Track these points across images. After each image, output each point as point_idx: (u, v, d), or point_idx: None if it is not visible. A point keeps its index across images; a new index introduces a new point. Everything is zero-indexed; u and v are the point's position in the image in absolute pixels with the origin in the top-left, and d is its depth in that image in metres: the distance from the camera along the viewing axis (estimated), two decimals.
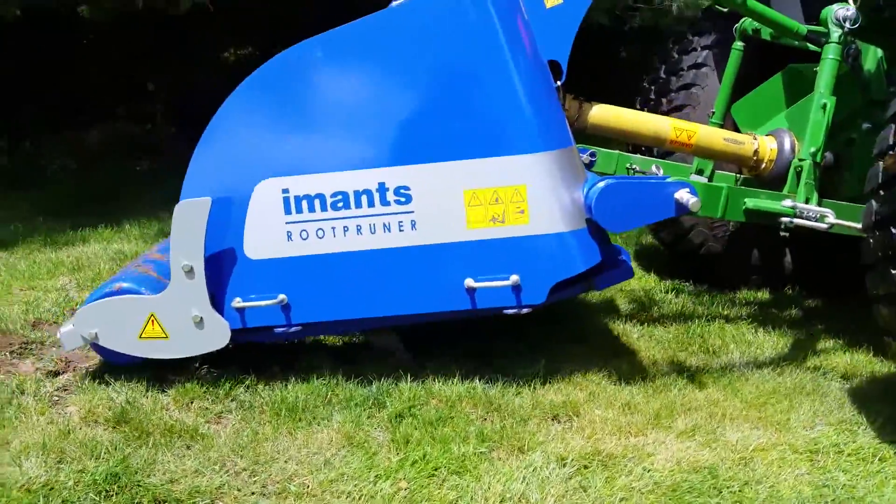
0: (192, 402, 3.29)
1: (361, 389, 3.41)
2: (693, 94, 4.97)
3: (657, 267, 5.61)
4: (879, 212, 3.03)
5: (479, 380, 3.51)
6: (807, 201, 3.66)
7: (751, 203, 3.67)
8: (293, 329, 3.52)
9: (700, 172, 4.54)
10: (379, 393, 3.39)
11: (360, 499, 2.68)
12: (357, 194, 3.37)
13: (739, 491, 2.74)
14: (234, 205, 3.41)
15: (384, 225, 3.37)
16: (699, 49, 5.06)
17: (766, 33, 4.47)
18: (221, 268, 3.44)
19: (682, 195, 3.34)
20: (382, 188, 3.36)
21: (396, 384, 3.48)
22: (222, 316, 3.41)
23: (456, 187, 3.34)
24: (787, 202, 3.63)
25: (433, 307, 3.48)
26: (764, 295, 5.06)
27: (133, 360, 3.44)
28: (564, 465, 2.88)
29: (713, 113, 4.62)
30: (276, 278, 3.44)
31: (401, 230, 3.38)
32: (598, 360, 3.74)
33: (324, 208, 3.38)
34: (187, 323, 3.36)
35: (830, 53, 3.78)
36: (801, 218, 3.59)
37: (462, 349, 3.83)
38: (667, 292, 5.08)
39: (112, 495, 2.64)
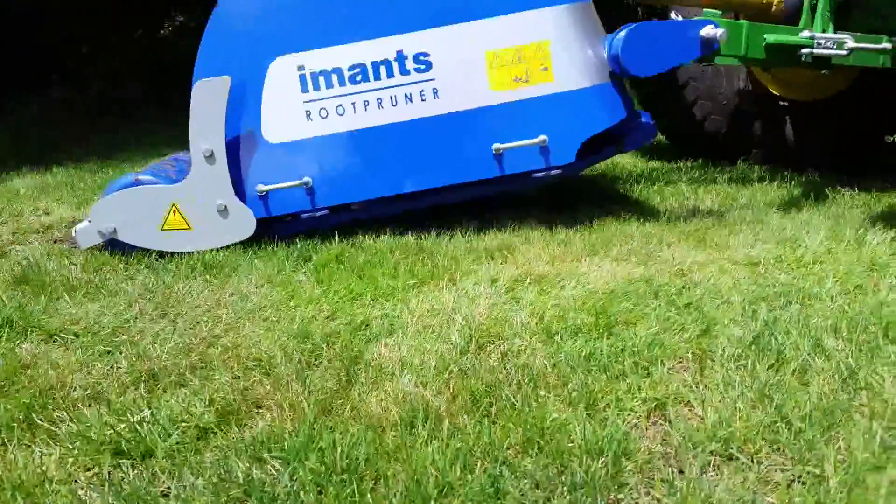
0: (101, 267, 3.08)
1: (286, 247, 3.23)
2: None
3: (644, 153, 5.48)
4: None
5: (412, 234, 3.35)
6: (824, 32, 3.68)
7: (771, 38, 3.66)
8: (320, 213, 3.35)
9: None
10: (305, 249, 3.21)
11: (278, 321, 2.50)
12: (375, 65, 3.24)
13: (677, 293, 2.62)
14: (248, 87, 3.25)
15: (406, 95, 3.25)
16: None
17: None
18: (240, 155, 3.28)
19: (708, 31, 3.31)
20: (401, 57, 3.24)
21: (323, 242, 3.31)
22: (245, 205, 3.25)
23: (477, 49, 3.24)
24: (805, 33, 3.65)
25: (462, 177, 3.34)
26: (721, 168, 4.97)
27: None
28: (496, 285, 2.73)
29: None
30: (299, 161, 3.29)
31: (423, 100, 3.25)
32: (536, 214, 3.61)
33: (342, 83, 3.23)
34: (211, 212, 3.19)
35: None
36: (820, 48, 3.59)
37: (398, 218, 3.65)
38: (624, 167, 4.98)
39: (2, 337, 2.42)
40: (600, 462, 1.64)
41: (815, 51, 3.60)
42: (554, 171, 3.38)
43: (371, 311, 2.55)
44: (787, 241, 3.14)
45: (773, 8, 4.07)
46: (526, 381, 2.00)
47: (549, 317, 2.43)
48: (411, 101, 3.25)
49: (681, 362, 2.13)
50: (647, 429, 1.81)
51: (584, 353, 2.14)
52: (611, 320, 2.38)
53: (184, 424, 1.89)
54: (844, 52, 3.58)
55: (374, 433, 1.76)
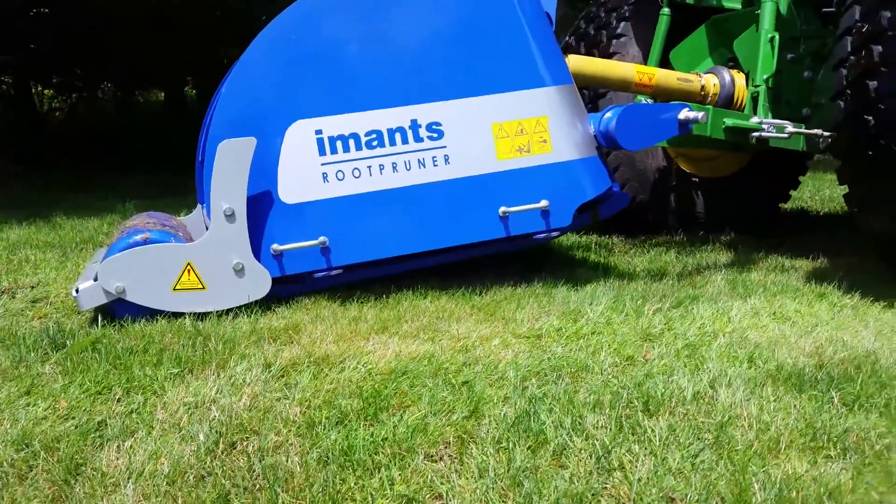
0: None
1: (37, 333, 2.86)
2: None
3: None
4: (848, 109, 3.57)
5: (189, 316, 3.10)
6: (766, 118, 4.26)
7: (729, 121, 4.24)
8: (334, 272, 3.43)
9: None
10: (60, 335, 2.85)
11: (1, 423, 2.15)
12: (391, 132, 3.41)
13: (455, 372, 2.56)
14: (265, 149, 3.26)
15: (419, 161, 3.44)
16: (615, 22, 5.37)
17: None
18: (256, 214, 3.28)
19: (686, 114, 3.76)
20: (415, 125, 3.43)
21: (83, 328, 2.97)
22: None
23: (484, 121, 3.51)
24: (755, 119, 4.22)
25: (472, 237, 3.55)
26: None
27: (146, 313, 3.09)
28: (269, 370, 2.54)
29: None
30: (315, 221, 3.34)
31: (435, 165, 3.45)
32: (331, 290, 3.47)
33: (358, 147, 3.38)
34: (227, 272, 3.15)
35: None
36: (765, 132, 4.14)
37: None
38: None
39: None
40: None
41: (762, 134, 4.15)
42: (554, 233, 3.73)
43: (115, 407, 2.26)
44: (571, 313, 3.21)
45: (709, 98, 4.67)
46: (269, 484, 1.81)
47: (316, 404, 2.26)
48: (424, 166, 3.45)
49: (443, 448, 2.03)
50: None
51: (342, 446, 1.99)
52: (382, 405, 2.26)
53: None
54: (785, 136, 4.16)
55: None
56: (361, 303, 3.34)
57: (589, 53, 5.42)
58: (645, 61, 5.10)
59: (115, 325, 2.99)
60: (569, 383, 2.45)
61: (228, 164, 3.13)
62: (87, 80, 13.06)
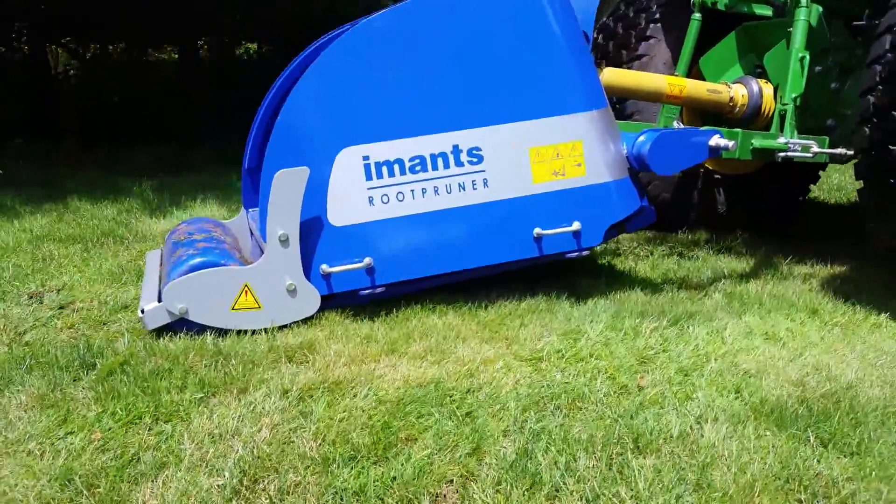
0: None
1: (69, 351, 3.05)
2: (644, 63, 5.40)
3: None
4: (873, 137, 3.67)
5: (210, 333, 3.28)
6: (792, 137, 4.35)
7: (757, 142, 4.32)
8: (378, 290, 3.61)
9: None
10: (89, 354, 3.05)
11: (41, 456, 2.35)
12: (433, 157, 3.57)
13: (461, 399, 2.75)
14: (316, 175, 3.43)
15: (459, 184, 3.62)
16: (644, 24, 5.47)
17: (721, 4, 5.03)
18: (308, 237, 3.47)
19: (717, 140, 3.89)
20: (456, 150, 3.60)
21: (113, 344, 3.17)
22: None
23: (522, 146, 3.68)
24: (781, 139, 4.31)
25: (507, 256, 3.74)
26: None
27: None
28: (287, 398, 2.73)
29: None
30: (361, 242, 3.54)
31: (474, 189, 3.64)
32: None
33: (403, 172, 3.55)
34: (281, 292, 3.39)
35: (801, 15, 4.42)
36: (791, 151, 4.26)
37: None
38: None
39: None
40: None
41: (788, 154, 4.26)
42: (584, 251, 3.89)
43: (146, 438, 2.46)
44: (571, 333, 3.37)
45: (737, 110, 4.75)
46: None
47: (330, 438, 2.46)
48: (464, 189, 3.63)
49: (447, 487, 2.23)
50: None
51: (355, 487, 2.19)
52: (391, 439, 2.45)
53: None
54: (810, 155, 4.27)
55: None
56: (373, 319, 3.51)
57: (617, 50, 5.51)
58: (674, 61, 5.20)
59: (144, 343, 3.17)
60: (565, 415, 2.63)
61: (284, 193, 3.32)
62: (99, 38, 13.01)
